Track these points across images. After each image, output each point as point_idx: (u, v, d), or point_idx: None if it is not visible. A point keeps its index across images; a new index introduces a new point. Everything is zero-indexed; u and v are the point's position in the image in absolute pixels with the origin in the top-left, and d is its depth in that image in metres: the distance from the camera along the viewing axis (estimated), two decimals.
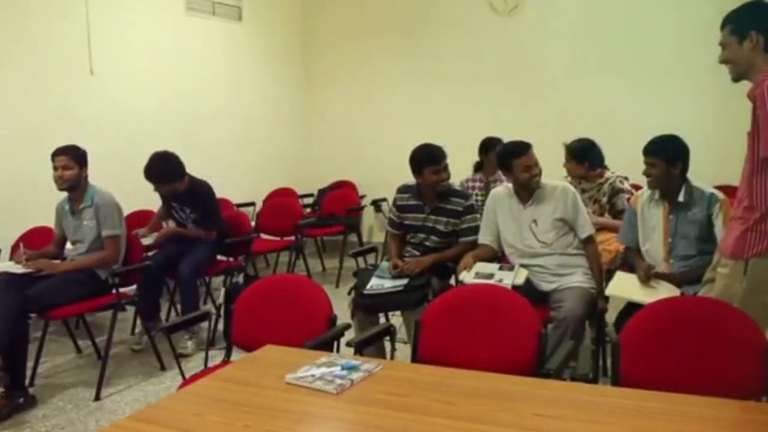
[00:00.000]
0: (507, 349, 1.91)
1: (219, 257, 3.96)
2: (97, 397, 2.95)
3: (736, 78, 1.90)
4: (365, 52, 6.18)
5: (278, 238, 4.90)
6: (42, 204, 3.50)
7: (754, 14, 1.83)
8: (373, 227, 6.35)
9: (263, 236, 4.91)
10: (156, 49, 4.86)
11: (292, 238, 4.84)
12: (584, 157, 3.30)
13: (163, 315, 3.90)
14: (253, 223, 4.81)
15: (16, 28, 3.95)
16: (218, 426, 1.37)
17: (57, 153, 3.12)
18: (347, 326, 2.18)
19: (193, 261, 3.59)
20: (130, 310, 3.77)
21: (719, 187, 2.74)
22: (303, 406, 1.46)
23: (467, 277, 2.63)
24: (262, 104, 5.98)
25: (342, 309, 2.62)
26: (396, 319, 3.16)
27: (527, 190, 2.75)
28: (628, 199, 3.01)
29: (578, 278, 2.65)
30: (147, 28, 4.78)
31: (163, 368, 3.29)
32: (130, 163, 4.57)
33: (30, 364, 3.04)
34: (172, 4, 5.00)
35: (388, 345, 2.55)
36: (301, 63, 6.46)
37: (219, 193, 3.94)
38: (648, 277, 2.45)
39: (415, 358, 1.98)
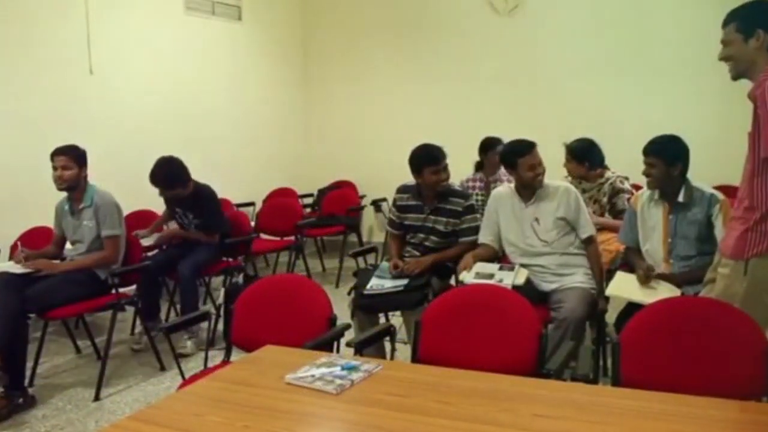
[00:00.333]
0: (507, 350, 1.91)
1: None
2: (97, 398, 2.95)
3: (736, 76, 1.90)
4: (365, 52, 6.18)
5: (278, 238, 4.90)
6: (41, 204, 3.50)
7: (760, 12, 1.82)
8: (373, 227, 6.35)
9: (263, 236, 4.90)
10: (155, 48, 4.86)
11: (292, 238, 4.84)
12: (584, 157, 3.30)
13: (162, 315, 3.89)
14: (252, 223, 4.81)
15: (16, 28, 3.95)
16: (218, 426, 1.37)
17: (56, 153, 3.11)
18: (347, 326, 2.17)
19: (193, 262, 3.60)
20: (130, 310, 3.77)
21: (719, 187, 2.74)
22: (303, 407, 1.46)
23: (467, 277, 2.63)
24: (261, 104, 5.98)
25: (342, 309, 2.62)
26: (396, 319, 3.16)
27: (530, 189, 2.75)
28: (629, 199, 3.01)
29: (579, 278, 2.65)
30: (146, 28, 4.78)
31: (162, 368, 3.29)
32: (129, 162, 4.59)
33: (29, 364, 3.03)
34: (172, 4, 5.00)
35: (388, 345, 2.55)
36: (301, 62, 6.45)
37: (219, 193, 3.94)
38: (648, 277, 2.45)
39: (415, 359, 1.98)
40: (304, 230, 4.97)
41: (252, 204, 5.48)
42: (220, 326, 3.52)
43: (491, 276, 2.60)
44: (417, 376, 1.64)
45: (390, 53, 6.07)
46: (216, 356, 2.83)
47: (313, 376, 1.57)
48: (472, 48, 5.69)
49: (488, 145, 4.09)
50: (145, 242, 3.70)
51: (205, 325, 3.38)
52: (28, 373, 3.01)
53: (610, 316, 2.61)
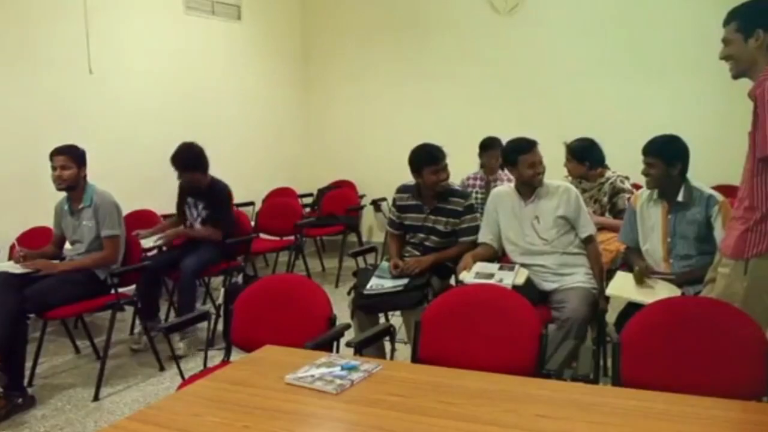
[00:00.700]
0: (507, 350, 1.90)
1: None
2: (96, 398, 2.95)
3: (736, 75, 1.90)
4: (365, 51, 6.18)
5: (278, 238, 4.90)
6: (41, 204, 3.49)
7: (761, 12, 1.82)
8: (373, 227, 6.35)
9: (262, 236, 4.90)
10: (155, 48, 4.85)
11: (292, 237, 4.83)
12: (585, 156, 3.30)
13: (162, 315, 3.89)
14: (252, 223, 4.81)
15: (15, 27, 3.94)
16: (217, 426, 1.37)
17: (55, 153, 3.11)
18: (347, 326, 2.17)
19: (196, 261, 3.60)
20: (129, 310, 3.77)
21: (720, 187, 2.74)
22: (303, 407, 1.46)
23: (467, 277, 2.62)
24: (261, 103, 5.98)
25: (342, 309, 2.61)
26: (396, 319, 3.15)
27: (530, 187, 2.75)
28: (629, 199, 3.01)
29: (580, 278, 2.65)
30: (146, 28, 4.77)
31: (162, 369, 3.29)
32: (129, 162, 4.59)
33: (28, 364, 3.03)
34: (171, 4, 4.99)
35: (388, 345, 2.55)
36: (301, 62, 6.45)
37: None
38: (642, 274, 2.45)
39: (415, 359, 1.97)
40: (304, 230, 4.97)
41: (251, 204, 5.48)
42: (220, 326, 3.53)
43: (491, 276, 2.60)
44: (417, 376, 1.64)
45: (390, 52, 6.06)
46: (215, 356, 2.83)
47: (312, 376, 1.57)
48: (472, 47, 5.69)
49: (487, 146, 4.10)
50: (146, 243, 3.68)
51: (202, 325, 3.37)
52: (27, 373, 3.00)
53: (610, 316, 2.61)
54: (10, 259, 3.37)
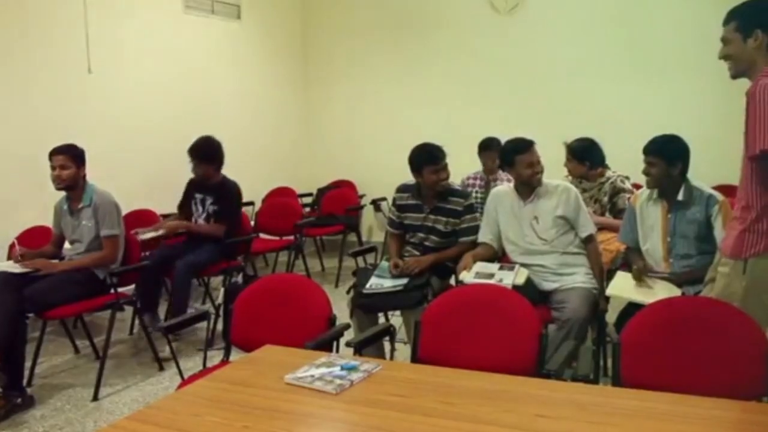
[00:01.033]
0: (507, 350, 1.90)
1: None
2: (96, 398, 2.94)
3: (735, 75, 1.90)
4: (364, 51, 6.17)
5: (277, 238, 4.90)
6: (40, 203, 3.48)
7: (760, 12, 1.82)
8: (373, 227, 6.35)
9: (262, 236, 4.90)
10: (154, 48, 4.85)
11: (291, 237, 4.83)
12: (585, 156, 3.30)
13: (161, 315, 3.88)
14: (252, 223, 4.80)
15: (14, 27, 3.94)
16: (217, 426, 1.37)
17: (55, 152, 3.11)
18: (347, 326, 2.17)
19: (191, 261, 3.59)
20: (129, 309, 3.76)
21: (720, 187, 2.74)
22: (302, 407, 1.46)
23: (467, 276, 2.62)
24: (260, 103, 5.97)
25: (341, 309, 2.61)
26: (396, 319, 3.15)
27: (528, 187, 2.75)
28: (629, 199, 3.01)
29: (580, 278, 2.65)
30: (145, 27, 4.77)
31: (161, 368, 3.28)
32: (128, 162, 4.58)
33: (28, 364, 3.03)
34: (171, 3, 4.98)
35: (387, 345, 2.55)
36: (301, 61, 6.44)
37: None
38: (641, 273, 2.45)
39: (415, 359, 1.97)
40: (304, 230, 4.97)
41: (251, 203, 5.47)
42: (219, 326, 3.52)
43: (491, 276, 2.59)
44: (417, 376, 1.63)
45: (390, 52, 6.06)
46: (215, 356, 2.83)
47: (312, 376, 1.56)
48: (473, 47, 5.68)
49: (485, 146, 4.09)
50: (145, 235, 3.65)
51: (201, 325, 3.36)
52: (26, 373, 3.00)
53: (610, 316, 2.60)
54: (9, 258, 3.36)
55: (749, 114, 1.76)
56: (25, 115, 4.00)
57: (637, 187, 3.29)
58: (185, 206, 3.96)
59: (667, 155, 2.49)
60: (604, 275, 2.74)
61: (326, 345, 1.97)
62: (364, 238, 5.99)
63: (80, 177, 3.16)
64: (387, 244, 3.35)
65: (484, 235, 2.88)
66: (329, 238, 5.80)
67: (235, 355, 2.15)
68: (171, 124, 4.97)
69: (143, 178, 4.65)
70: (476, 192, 4.04)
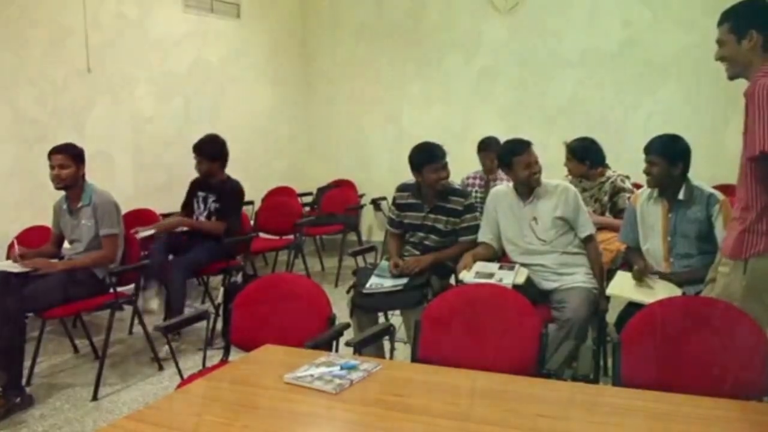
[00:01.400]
0: (507, 349, 1.90)
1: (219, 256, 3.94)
2: (95, 397, 2.94)
3: (732, 76, 1.90)
4: (365, 50, 6.17)
5: (277, 237, 4.89)
6: (39, 203, 3.47)
7: (753, 12, 1.82)
8: (373, 226, 6.34)
9: (262, 235, 4.89)
10: (153, 46, 4.84)
11: (291, 237, 4.82)
12: (585, 155, 3.30)
13: (160, 316, 3.87)
14: (251, 222, 4.80)
15: (13, 26, 3.93)
16: (217, 426, 1.36)
17: (53, 151, 3.10)
18: (346, 326, 2.17)
19: (186, 262, 3.59)
20: (128, 309, 3.76)
21: (720, 186, 2.73)
22: (302, 406, 1.45)
23: (467, 276, 2.62)
24: (260, 102, 5.97)
25: (341, 308, 2.61)
26: (395, 318, 3.15)
27: (527, 187, 2.75)
28: (629, 198, 3.01)
29: (580, 278, 2.64)
30: (144, 26, 4.76)
31: (161, 368, 3.28)
32: (127, 161, 4.58)
33: (27, 363, 3.02)
34: (170, 2, 4.97)
35: (387, 345, 2.54)
36: (300, 60, 6.44)
37: None
38: (641, 273, 2.45)
39: (415, 358, 1.97)
40: (303, 229, 4.96)
41: (251, 203, 5.47)
42: (219, 325, 3.52)
43: (491, 275, 2.59)
44: (417, 375, 1.63)
45: (390, 50, 6.05)
46: (214, 356, 2.83)
47: (312, 375, 1.56)
48: (473, 46, 5.68)
49: (484, 146, 4.09)
50: (144, 234, 3.63)
51: (201, 324, 3.37)
52: (25, 372, 3.00)
53: (610, 316, 2.60)
54: (8, 258, 3.36)
55: (748, 114, 1.76)
56: (24, 114, 4.00)
57: (638, 186, 3.28)
58: (188, 205, 3.96)
59: (669, 155, 2.49)
60: (604, 275, 2.73)
61: (326, 344, 1.97)
62: (363, 238, 5.98)
63: (79, 176, 3.16)
64: (387, 243, 3.34)
65: (484, 235, 2.88)
66: (329, 237, 5.80)
67: (235, 354, 2.14)
68: (170, 122, 4.96)
69: (141, 177, 4.65)
70: (476, 191, 4.03)
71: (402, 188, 3.12)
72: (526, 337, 1.89)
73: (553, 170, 3.08)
